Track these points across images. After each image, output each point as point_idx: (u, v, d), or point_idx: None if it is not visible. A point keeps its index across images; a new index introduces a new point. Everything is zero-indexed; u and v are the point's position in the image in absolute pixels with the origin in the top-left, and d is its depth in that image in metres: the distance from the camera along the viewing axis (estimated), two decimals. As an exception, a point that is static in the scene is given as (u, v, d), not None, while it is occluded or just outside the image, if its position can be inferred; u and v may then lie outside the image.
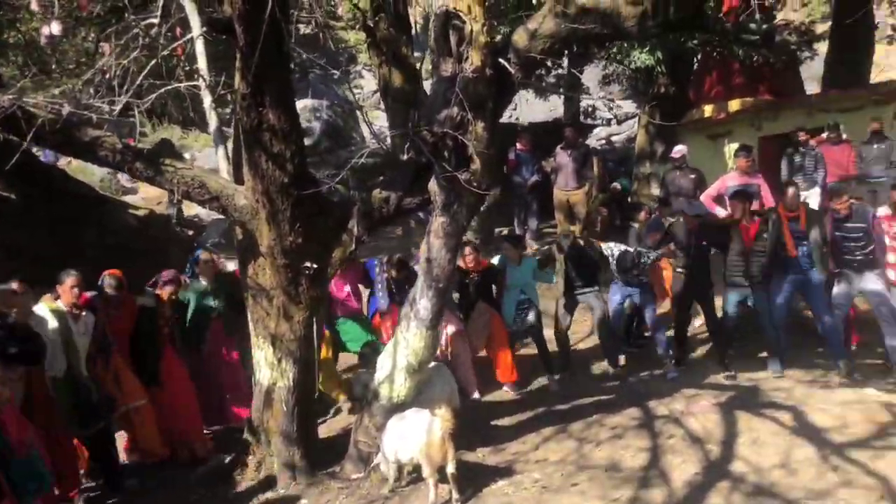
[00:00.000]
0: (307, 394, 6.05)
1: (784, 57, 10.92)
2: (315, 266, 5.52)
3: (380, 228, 6.46)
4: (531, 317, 7.96)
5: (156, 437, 6.75)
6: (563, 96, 18.99)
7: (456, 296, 7.73)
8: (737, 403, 6.50)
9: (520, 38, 5.19)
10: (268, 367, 5.86)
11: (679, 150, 10.39)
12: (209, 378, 7.41)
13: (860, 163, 10.16)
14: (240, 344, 7.30)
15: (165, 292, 7.01)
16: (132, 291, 6.89)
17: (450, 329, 7.42)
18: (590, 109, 21.08)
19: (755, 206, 8.17)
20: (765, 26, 5.24)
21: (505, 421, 6.81)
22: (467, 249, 7.67)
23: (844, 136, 10.48)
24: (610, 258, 7.99)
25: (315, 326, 5.97)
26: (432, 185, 5.17)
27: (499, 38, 5.75)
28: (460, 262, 7.30)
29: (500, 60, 5.05)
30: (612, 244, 8.14)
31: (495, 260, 8.32)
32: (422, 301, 5.39)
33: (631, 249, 7.91)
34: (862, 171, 10.10)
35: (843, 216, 7.26)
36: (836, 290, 7.38)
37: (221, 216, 6.44)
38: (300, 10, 8.05)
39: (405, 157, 5.45)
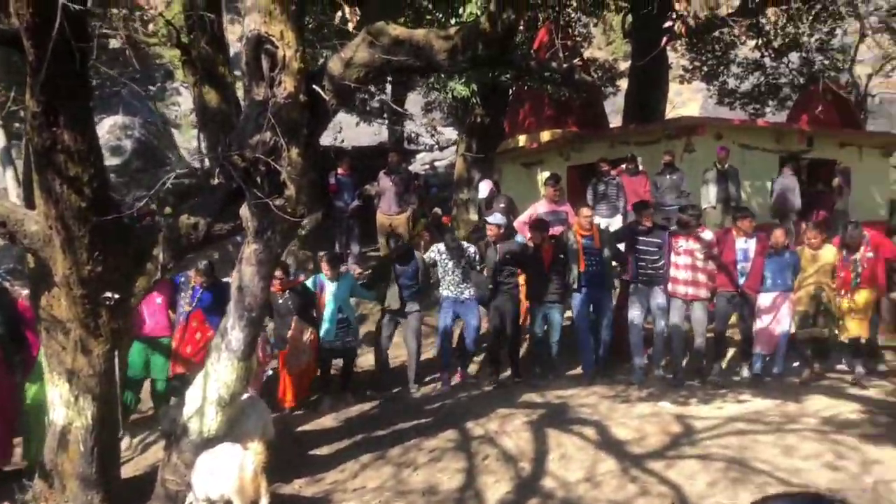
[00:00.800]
0: (109, 432, 5.64)
1: (584, 93, 11.69)
2: (116, 296, 5.18)
3: (190, 254, 6.19)
4: (349, 337, 8.12)
5: None
6: (387, 121, 19.26)
7: None
8: (547, 420, 6.81)
9: (334, 65, 5.19)
10: (63, 406, 5.41)
11: (485, 185, 10.81)
12: None
13: (655, 192, 11.03)
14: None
15: None
16: None
17: None
18: (413, 135, 21.51)
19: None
20: (565, 65, 5.59)
21: (323, 450, 6.71)
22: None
23: (641, 168, 11.33)
24: (437, 256, 8.22)
25: (117, 360, 5.58)
26: (244, 211, 5.02)
27: (321, 62, 5.72)
28: None
29: (315, 87, 5.02)
30: (434, 246, 8.45)
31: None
32: (233, 332, 5.20)
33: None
34: (657, 200, 10.96)
35: (645, 229, 8.01)
36: (631, 310, 8.02)
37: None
38: (106, 25, 7.62)
39: (216, 181, 5.28)
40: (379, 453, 6.44)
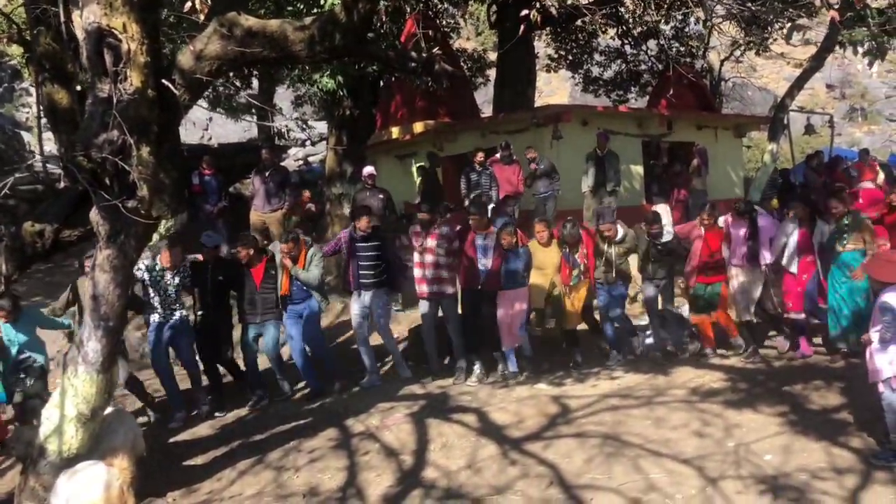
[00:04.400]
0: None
1: (447, 84, 11.76)
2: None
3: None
4: (30, 382, 6.98)
5: None
6: (255, 116, 18.73)
7: None
8: (428, 411, 6.82)
9: (185, 58, 4.98)
10: None
11: (368, 170, 10.70)
12: None
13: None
14: None
15: None
16: None
17: None
18: (284, 130, 21.02)
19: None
20: (424, 55, 5.54)
21: (198, 460, 6.45)
22: None
23: (514, 157, 11.49)
24: (144, 275, 7.52)
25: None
26: (94, 216, 4.73)
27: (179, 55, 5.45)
28: None
29: (164, 81, 4.79)
30: (140, 263, 7.68)
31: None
32: (90, 343, 4.90)
33: None
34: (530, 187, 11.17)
35: (360, 237, 7.93)
36: (354, 308, 8.05)
37: None
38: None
39: (62, 185, 4.95)
40: (257, 458, 6.25)
